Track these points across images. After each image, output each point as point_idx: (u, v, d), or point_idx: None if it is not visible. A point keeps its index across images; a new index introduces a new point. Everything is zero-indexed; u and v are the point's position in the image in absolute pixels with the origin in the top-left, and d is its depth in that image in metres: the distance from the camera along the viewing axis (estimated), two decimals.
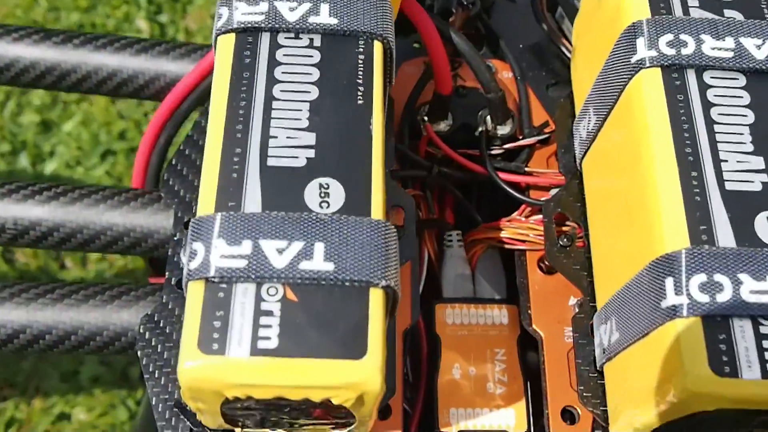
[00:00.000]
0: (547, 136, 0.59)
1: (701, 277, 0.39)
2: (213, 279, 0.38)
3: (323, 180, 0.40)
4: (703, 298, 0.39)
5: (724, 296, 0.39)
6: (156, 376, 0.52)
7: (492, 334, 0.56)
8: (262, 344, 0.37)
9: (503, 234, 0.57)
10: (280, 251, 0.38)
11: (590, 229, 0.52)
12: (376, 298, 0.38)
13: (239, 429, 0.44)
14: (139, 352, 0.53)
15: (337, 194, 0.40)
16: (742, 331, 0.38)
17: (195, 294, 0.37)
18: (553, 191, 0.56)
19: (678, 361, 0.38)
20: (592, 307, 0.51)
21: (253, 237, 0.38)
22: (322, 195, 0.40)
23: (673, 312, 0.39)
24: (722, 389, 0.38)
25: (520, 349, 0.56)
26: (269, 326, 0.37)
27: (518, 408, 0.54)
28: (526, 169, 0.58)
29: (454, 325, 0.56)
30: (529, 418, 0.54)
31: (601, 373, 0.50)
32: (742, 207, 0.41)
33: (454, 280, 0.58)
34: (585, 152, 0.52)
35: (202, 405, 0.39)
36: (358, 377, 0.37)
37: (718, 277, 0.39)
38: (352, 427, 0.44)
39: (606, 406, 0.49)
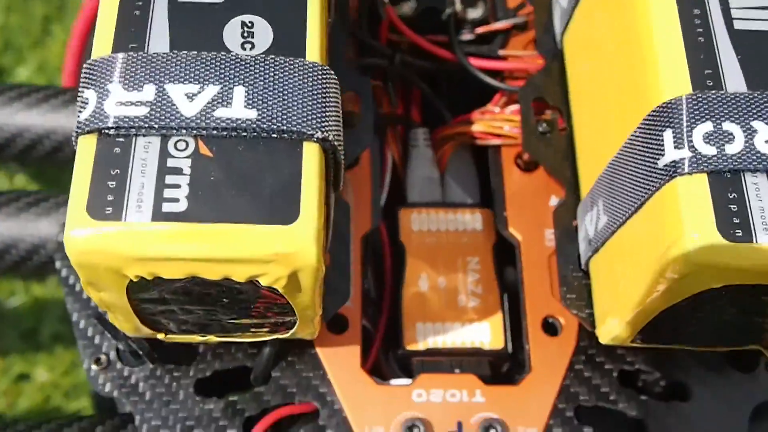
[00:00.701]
0: (524, 19, 0.51)
1: (706, 127, 0.32)
2: (108, 131, 0.30)
3: (246, 17, 0.33)
4: (709, 150, 0.32)
5: (734, 147, 0.32)
6: (76, 289, 0.44)
7: (464, 242, 0.49)
8: (167, 207, 0.29)
9: (475, 128, 0.49)
10: (191, 97, 0.31)
11: (574, 110, 0.45)
12: (310, 154, 0.31)
13: (162, 335, 0.37)
14: (57, 263, 0.45)
15: (264, 34, 0.32)
16: (757, 188, 0.31)
17: (85, 150, 0.30)
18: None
19: (679, 227, 0.31)
20: (576, 200, 0.44)
21: (157, 80, 0.31)
22: (246, 35, 0.32)
23: (673, 169, 0.32)
24: (733, 257, 0.31)
25: (496, 258, 0.49)
26: (177, 186, 0.30)
27: (494, 322, 0.47)
28: (500, 53, 0.50)
29: (420, 231, 0.49)
30: (506, 333, 0.47)
31: (586, 273, 0.43)
32: (754, 48, 0.34)
33: (421, 183, 0.51)
34: (567, 23, 0.45)
35: (104, 294, 0.32)
36: (288, 246, 0.29)
37: (728, 126, 0.32)
38: (294, 329, 0.37)
39: (592, 308, 0.42)
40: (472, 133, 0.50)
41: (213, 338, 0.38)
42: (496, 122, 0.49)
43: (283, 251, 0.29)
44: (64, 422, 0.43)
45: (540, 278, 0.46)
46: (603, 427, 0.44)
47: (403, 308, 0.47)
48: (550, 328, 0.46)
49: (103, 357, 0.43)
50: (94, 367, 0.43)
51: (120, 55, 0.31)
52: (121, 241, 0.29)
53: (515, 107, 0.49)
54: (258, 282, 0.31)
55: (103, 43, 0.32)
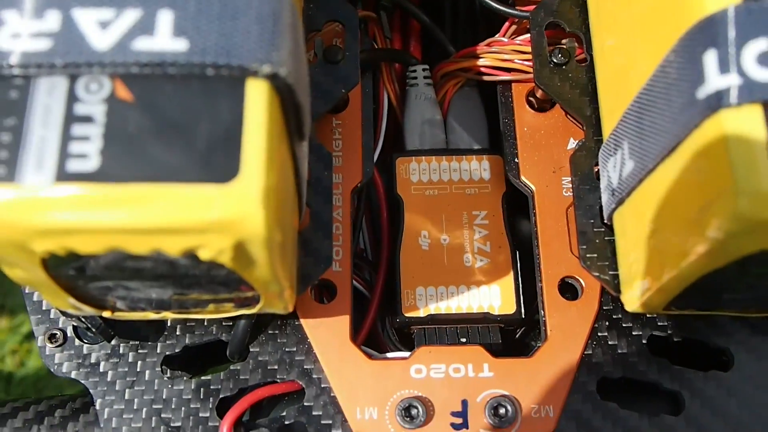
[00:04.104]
0: None
1: (760, 45, 0.24)
2: (3, 71, 0.23)
3: None
4: (764, 75, 0.24)
5: None
6: None
7: (470, 193, 0.42)
8: (74, 165, 0.23)
9: (481, 62, 0.42)
10: (104, 25, 0.24)
11: (595, 35, 0.37)
12: (255, 93, 0.24)
13: (109, 313, 0.31)
14: None
15: None
16: None
17: None
18: None
19: (725, 174, 0.24)
20: (597, 143, 0.37)
21: (62, 5, 0.24)
22: None
23: (717, 101, 0.25)
24: None
25: (506, 211, 0.42)
26: (86, 138, 0.23)
27: (504, 284, 0.40)
28: None
29: (420, 183, 0.42)
30: (519, 297, 0.40)
31: (609, 228, 0.36)
32: None
33: (421, 128, 0.44)
34: None
35: (18, 271, 0.26)
36: (226, 210, 0.23)
37: None
38: (260, 304, 0.31)
39: (616, 269, 0.35)
40: (477, 68, 0.42)
41: (170, 315, 0.31)
42: (505, 54, 0.41)
43: (219, 217, 0.23)
44: (20, 406, 0.38)
45: (557, 233, 0.39)
46: (631, 403, 0.37)
47: (401, 270, 0.40)
48: (568, 290, 0.39)
49: (58, 333, 0.37)
50: (48, 344, 0.37)
51: None
52: (18, 209, 0.22)
53: (526, 36, 0.41)
54: (195, 254, 0.24)
55: None
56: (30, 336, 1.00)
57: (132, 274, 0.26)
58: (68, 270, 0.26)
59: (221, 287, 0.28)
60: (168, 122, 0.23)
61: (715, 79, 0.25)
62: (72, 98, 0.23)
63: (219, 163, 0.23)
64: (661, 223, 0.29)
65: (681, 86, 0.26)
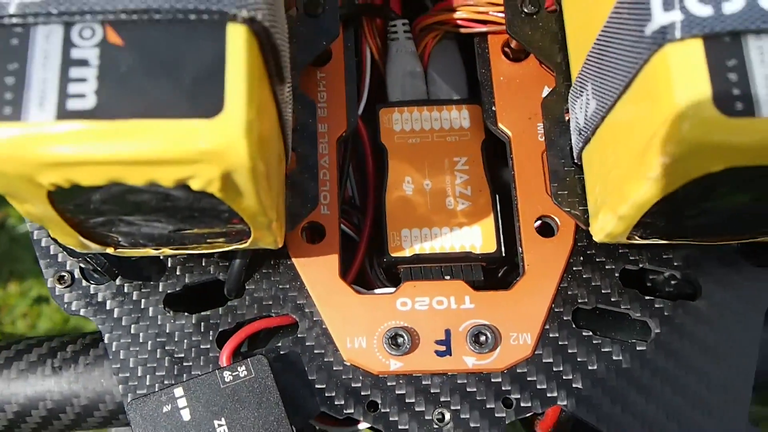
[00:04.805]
0: None
1: None
2: (3, 21, 0.25)
3: None
4: (704, 11, 0.26)
5: (734, 5, 0.26)
6: None
7: (450, 141, 0.44)
8: (73, 104, 0.25)
9: (458, 15, 0.44)
10: None
11: None
12: (235, 36, 0.26)
13: (112, 249, 0.33)
14: None
15: None
16: (761, 53, 0.26)
17: None
18: None
19: (669, 101, 0.26)
20: (567, 88, 0.39)
21: None
22: None
23: (662, 36, 0.26)
24: (733, 134, 0.25)
25: (485, 156, 0.44)
26: (83, 80, 0.25)
27: (485, 225, 0.42)
28: None
29: (403, 132, 0.44)
30: (499, 236, 0.42)
31: (579, 167, 0.38)
32: None
33: (402, 80, 0.45)
34: None
35: (28, 206, 0.28)
36: (212, 142, 0.25)
37: None
38: (251, 238, 0.33)
39: (586, 205, 0.37)
40: (455, 21, 0.44)
41: (167, 251, 0.33)
42: (480, 7, 0.43)
43: (207, 148, 0.25)
44: (34, 342, 0.40)
45: (533, 176, 0.41)
46: (604, 331, 0.40)
47: (387, 214, 0.42)
48: (544, 228, 0.41)
49: (66, 275, 0.39)
50: (58, 285, 0.39)
51: None
52: (24, 144, 0.24)
53: None
54: (187, 185, 0.26)
55: None
56: (39, 300, 1.03)
57: (131, 208, 0.28)
58: (73, 204, 0.28)
59: (214, 220, 0.30)
60: (156, 64, 0.25)
61: (659, 16, 0.26)
62: (68, 44, 0.25)
63: (205, 99, 0.25)
64: (618, 155, 0.31)
65: (631, 25, 0.28)
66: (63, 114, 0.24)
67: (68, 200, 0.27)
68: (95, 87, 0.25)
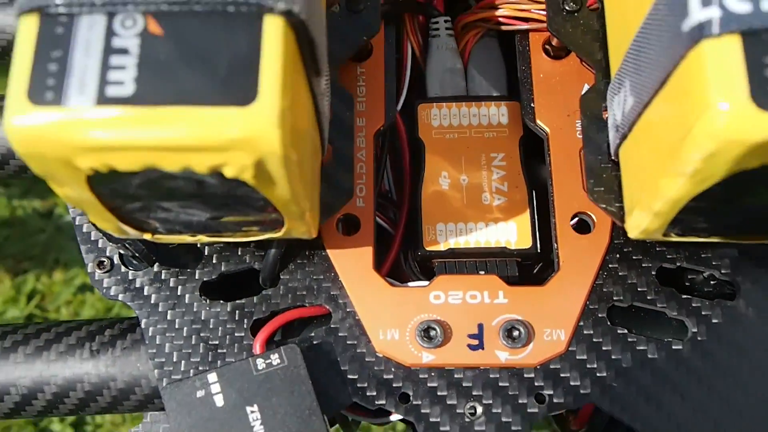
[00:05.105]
0: None
1: None
2: (50, 10, 0.26)
3: None
4: (742, 7, 0.25)
5: None
6: None
7: (488, 137, 0.44)
8: (112, 90, 0.25)
9: (500, 13, 0.43)
10: None
11: None
12: (272, 28, 0.26)
13: (149, 235, 0.34)
14: None
15: None
16: None
17: (26, 31, 0.26)
18: None
19: (705, 97, 0.25)
20: (606, 85, 0.38)
21: None
22: None
23: (699, 32, 0.26)
24: None
25: (523, 153, 0.43)
26: (123, 68, 0.25)
27: (521, 221, 0.42)
28: None
29: (441, 127, 0.44)
30: (535, 232, 0.42)
31: (615, 164, 0.37)
32: None
33: (442, 76, 0.45)
34: None
35: (67, 189, 0.29)
36: (245, 130, 0.25)
37: None
38: (285, 227, 0.33)
39: (622, 203, 0.37)
40: (496, 19, 0.44)
41: (203, 238, 0.34)
42: (522, 4, 0.43)
43: (240, 136, 0.25)
44: (74, 326, 0.41)
45: (570, 172, 0.41)
46: (640, 330, 0.39)
47: (423, 208, 0.42)
48: (580, 224, 0.40)
49: (106, 261, 0.40)
50: (98, 270, 0.40)
51: None
52: (63, 127, 0.25)
53: None
54: (221, 172, 0.26)
55: None
56: (83, 288, 1.05)
57: (167, 194, 0.29)
58: (110, 189, 0.28)
59: (248, 208, 0.30)
60: (194, 54, 0.25)
61: (697, 12, 0.26)
62: (110, 33, 0.26)
63: (240, 88, 0.25)
64: (654, 151, 0.31)
65: (669, 21, 0.28)
66: (102, 100, 0.25)
67: (106, 185, 0.28)
68: (134, 75, 0.25)
